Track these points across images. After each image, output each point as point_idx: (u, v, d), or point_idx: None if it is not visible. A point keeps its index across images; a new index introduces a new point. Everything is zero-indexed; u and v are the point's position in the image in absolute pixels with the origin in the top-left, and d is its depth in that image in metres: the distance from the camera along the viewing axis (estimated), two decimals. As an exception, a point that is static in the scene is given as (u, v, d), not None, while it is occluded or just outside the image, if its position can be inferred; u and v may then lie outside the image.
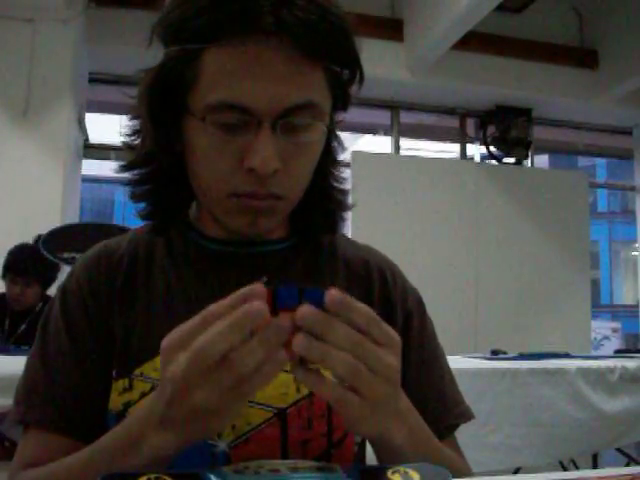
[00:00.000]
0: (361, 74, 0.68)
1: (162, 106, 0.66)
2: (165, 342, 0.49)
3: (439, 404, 0.74)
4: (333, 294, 0.47)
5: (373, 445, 0.60)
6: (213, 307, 0.48)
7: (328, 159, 0.73)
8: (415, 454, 0.57)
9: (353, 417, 0.51)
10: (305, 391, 0.67)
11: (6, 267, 2.78)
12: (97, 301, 0.71)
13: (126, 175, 0.73)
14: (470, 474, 0.70)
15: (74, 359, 0.69)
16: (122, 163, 0.73)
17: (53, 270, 2.85)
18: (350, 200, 0.78)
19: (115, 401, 0.68)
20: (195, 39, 0.61)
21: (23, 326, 2.77)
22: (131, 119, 0.72)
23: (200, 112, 0.62)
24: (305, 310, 0.47)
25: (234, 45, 0.60)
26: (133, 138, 0.72)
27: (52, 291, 2.88)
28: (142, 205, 0.74)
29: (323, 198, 0.75)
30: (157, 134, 0.68)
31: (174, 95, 0.65)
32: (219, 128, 0.62)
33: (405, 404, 0.58)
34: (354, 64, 0.67)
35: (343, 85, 0.68)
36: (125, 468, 0.52)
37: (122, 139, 0.73)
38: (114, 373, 0.69)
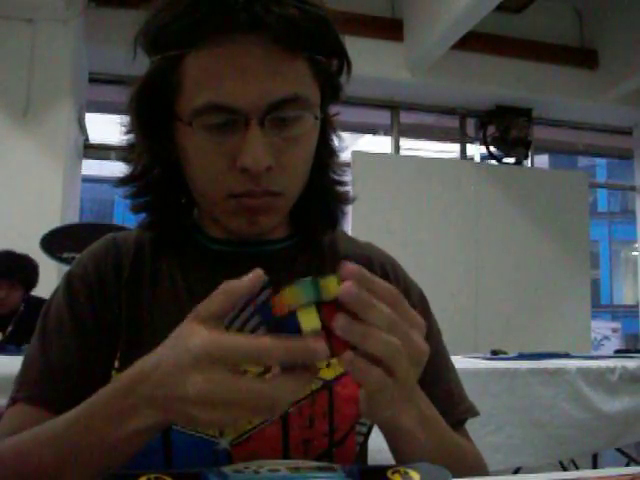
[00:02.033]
0: (348, 62, 0.68)
1: (151, 116, 0.67)
2: (202, 348, 0.46)
3: (445, 400, 0.74)
4: (351, 269, 0.47)
5: (383, 430, 0.60)
6: (276, 345, 0.45)
7: (325, 152, 0.73)
8: (426, 440, 0.57)
9: (381, 401, 0.50)
10: (307, 390, 0.67)
11: None
12: (103, 290, 0.71)
13: (125, 188, 0.73)
14: (484, 464, 0.71)
15: (74, 341, 0.69)
16: (120, 177, 0.73)
17: (35, 273, 2.87)
18: (350, 193, 0.78)
19: None
20: (174, 46, 0.62)
21: (10, 328, 2.78)
22: (126, 133, 0.72)
23: (187, 117, 0.62)
24: (348, 287, 0.45)
25: (213, 47, 0.60)
26: (130, 151, 0.72)
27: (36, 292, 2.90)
28: (143, 216, 0.74)
29: (323, 192, 0.75)
30: (150, 145, 0.69)
31: (161, 104, 0.65)
32: (207, 131, 0.62)
33: (417, 390, 0.58)
34: (338, 52, 0.67)
35: (330, 75, 0.67)
36: (109, 438, 0.52)
37: (119, 154, 0.73)
38: (116, 364, 0.69)
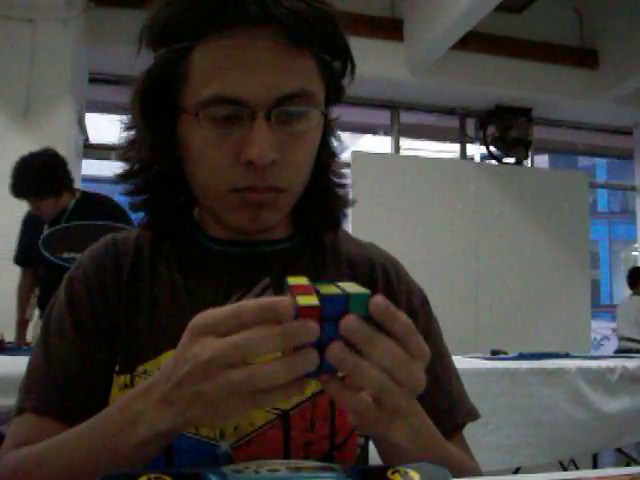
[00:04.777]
0: (352, 64, 0.68)
1: (155, 108, 0.66)
2: (194, 322, 0.48)
3: (446, 403, 0.74)
4: (379, 302, 0.45)
5: (374, 441, 0.60)
6: (250, 304, 0.46)
7: (326, 153, 0.73)
8: (418, 453, 0.57)
9: (366, 422, 0.50)
10: (308, 393, 0.67)
11: (11, 190, 2.70)
12: (103, 292, 0.71)
13: (124, 185, 0.72)
14: (479, 473, 0.70)
15: (76, 345, 0.68)
16: (119, 173, 0.72)
17: (60, 175, 2.72)
18: (350, 196, 0.78)
19: (115, 396, 0.67)
20: (183, 37, 0.62)
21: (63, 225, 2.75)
22: (126, 129, 0.72)
23: (193, 108, 0.62)
24: (349, 321, 0.45)
25: (222, 39, 0.60)
26: (128, 149, 0.72)
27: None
28: (142, 214, 0.74)
29: (324, 194, 0.74)
30: (153, 138, 0.68)
31: (166, 96, 0.65)
32: (213, 123, 0.62)
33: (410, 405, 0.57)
34: (344, 53, 0.67)
35: (335, 75, 0.67)
36: (121, 445, 0.52)
37: (117, 151, 0.73)
38: (116, 367, 0.69)
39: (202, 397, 0.47)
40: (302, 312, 0.44)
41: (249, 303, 0.46)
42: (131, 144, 0.72)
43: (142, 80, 0.66)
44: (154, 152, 0.69)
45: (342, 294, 0.45)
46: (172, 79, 0.64)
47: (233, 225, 0.69)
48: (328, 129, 0.72)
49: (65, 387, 0.67)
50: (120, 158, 0.73)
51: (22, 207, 3.13)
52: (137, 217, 0.75)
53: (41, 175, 2.66)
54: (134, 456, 0.52)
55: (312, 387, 0.67)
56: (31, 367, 0.70)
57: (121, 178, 0.72)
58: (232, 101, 0.61)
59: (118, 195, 0.79)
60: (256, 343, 0.45)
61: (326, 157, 0.73)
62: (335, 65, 0.67)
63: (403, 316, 0.47)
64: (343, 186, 0.76)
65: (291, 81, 0.62)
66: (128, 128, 0.71)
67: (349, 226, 4.44)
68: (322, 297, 0.45)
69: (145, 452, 0.53)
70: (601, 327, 7.87)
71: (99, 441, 0.54)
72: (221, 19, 0.60)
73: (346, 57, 0.67)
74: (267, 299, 0.46)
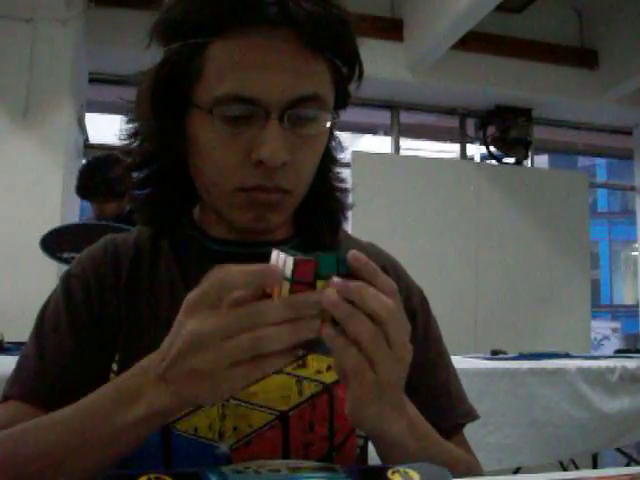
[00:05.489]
0: (360, 70, 0.69)
1: (166, 102, 0.66)
2: (187, 297, 0.49)
3: (445, 403, 0.74)
4: (356, 255, 0.48)
5: (372, 438, 0.60)
6: (234, 271, 0.47)
7: (328, 158, 0.73)
8: (416, 448, 0.57)
9: (361, 396, 0.50)
10: (307, 394, 0.67)
11: (77, 192, 2.88)
12: (101, 291, 0.71)
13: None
14: (479, 470, 0.70)
15: (70, 341, 0.68)
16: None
17: (120, 182, 2.78)
18: (350, 199, 0.78)
19: None
20: (199, 32, 0.62)
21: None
22: (128, 122, 0.72)
23: (207, 105, 0.62)
24: (329, 296, 0.47)
25: (240, 37, 0.60)
26: (130, 141, 0.72)
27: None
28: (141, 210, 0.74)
29: (325, 197, 0.75)
30: (159, 131, 0.68)
31: (178, 90, 0.65)
32: (226, 121, 0.62)
33: (405, 398, 0.58)
34: (355, 59, 0.67)
35: (344, 81, 0.68)
36: (114, 423, 0.51)
37: (119, 143, 0.73)
38: (115, 367, 0.68)
39: (198, 372, 0.47)
40: (299, 267, 0.47)
41: (233, 271, 0.47)
42: (133, 136, 0.72)
43: (154, 72, 0.66)
44: (158, 145, 0.69)
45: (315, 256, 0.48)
46: (185, 74, 0.63)
47: (237, 224, 0.69)
48: (330, 132, 0.73)
49: (55, 379, 0.67)
50: (122, 151, 0.73)
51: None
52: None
53: (107, 179, 2.76)
54: (126, 436, 0.52)
55: (311, 388, 0.67)
56: (22, 359, 0.71)
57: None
58: (246, 100, 0.61)
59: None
60: (262, 316, 0.46)
61: (327, 161, 0.74)
62: (344, 70, 0.67)
63: (386, 277, 0.50)
64: (343, 190, 0.77)
65: (305, 84, 0.62)
66: (131, 120, 0.71)
67: (349, 226, 4.42)
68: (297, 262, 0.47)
69: (138, 432, 0.52)
70: (601, 327, 7.86)
71: (89, 419, 0.53)
72: (240, 18, 0.60)
73: (355, 63, 0.68)
74: (255, 266, 0.47)
